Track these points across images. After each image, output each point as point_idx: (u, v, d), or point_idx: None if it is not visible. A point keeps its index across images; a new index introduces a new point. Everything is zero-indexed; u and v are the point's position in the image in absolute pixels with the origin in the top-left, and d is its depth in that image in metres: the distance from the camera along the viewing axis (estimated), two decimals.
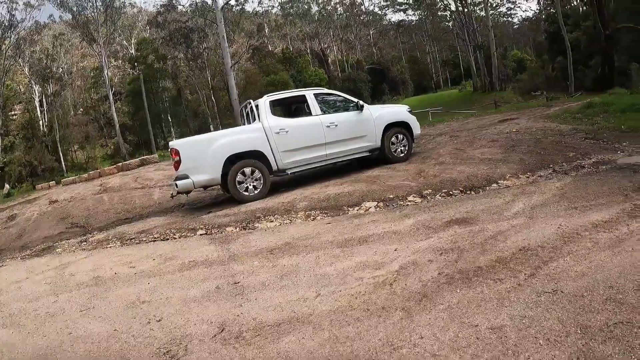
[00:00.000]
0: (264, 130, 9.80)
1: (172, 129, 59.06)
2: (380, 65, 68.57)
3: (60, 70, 56.04)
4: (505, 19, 78.71)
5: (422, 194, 7.77)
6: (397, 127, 11.09)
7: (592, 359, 2.53)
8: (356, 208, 7.69)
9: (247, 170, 9.58)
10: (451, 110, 36.60)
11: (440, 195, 7.54)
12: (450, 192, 7.64)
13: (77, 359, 3.93)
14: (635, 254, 3.83)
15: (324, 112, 10.47)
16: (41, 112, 54.93)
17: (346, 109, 10.79)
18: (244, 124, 11.06)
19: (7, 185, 47.51)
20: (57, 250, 9.48)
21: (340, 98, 11.09)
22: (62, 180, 26.25)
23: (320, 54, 65.94)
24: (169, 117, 57.90)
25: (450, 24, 67.95)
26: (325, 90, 11.41)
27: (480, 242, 4.68)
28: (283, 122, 10.08)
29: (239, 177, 9.53)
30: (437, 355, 2.80)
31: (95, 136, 56.28)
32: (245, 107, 11.26)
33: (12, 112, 57.72)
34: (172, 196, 10.61)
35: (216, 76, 48.84)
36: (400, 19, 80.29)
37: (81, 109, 62.31)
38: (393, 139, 10.97)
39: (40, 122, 53.95)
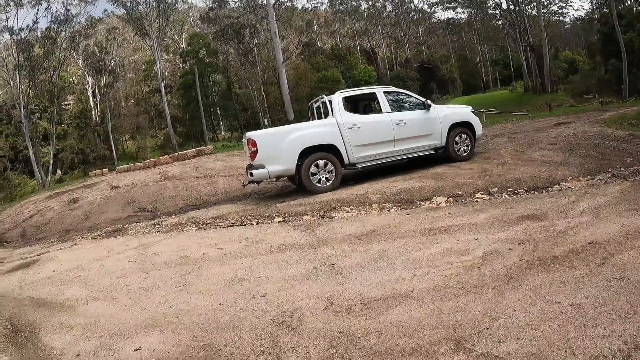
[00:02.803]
0: (337, 125, 9.99)
1: (220, 122, 59.69)
2: (429, 63, 67.73)
3: (113, 63, 57.37)
4: (556, 17, 75.97)
5: (488, 191, 7.92)
6: (461, 127, 11.19)
7: None
8: (427, 202, 7.81)
9: (321, 162, 9.78)
10: (504, 111, 35.72)
11: (506, 194, 7.71)
12: (516, 191, 7.77)
13: (184, 328, 4.07)
14: None
15: (393, 110, 10.62)
16: (94, 102, 56.67)
17: (414, 108, 10.94)
18: (313, 119, 11.36)
19: (59, 172, 49.09)
20: (129, 232, 9.80)
21: (408, 97, 11.25)
22: (116, 167, 26.52)
23: (369, 51, 65.58)
24: (218, 111, 58.50)
25: (500, 22, 66.36)
26: (394, 89, 11.40)
27: (553, 235, 4.95)
28: (355, 118, 10.25)
29: (313, 169, 9.73)
30: (530, 324, 3.16)
31: (146, 127, 57.68)
32: (315, 102, 11.46)
33: (66, 102, 59.54)
34: (244, 185, 10.94)
35: (267, 71, 49.19)
36: (450, 16, 78.92)
37: (132, 101, 63.87)
38: (457, 138, 11.05)
39: (93, 112, 55.50)
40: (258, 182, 10.33)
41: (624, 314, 3.14)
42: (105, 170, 27.74)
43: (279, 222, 8.04)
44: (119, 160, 47.31)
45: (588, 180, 7.97)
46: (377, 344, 3.22)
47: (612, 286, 3.58)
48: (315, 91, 42.27)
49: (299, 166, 9.67)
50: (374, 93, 10.84)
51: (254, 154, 9.59)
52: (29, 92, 46.67)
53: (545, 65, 48.79)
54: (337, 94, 10.47)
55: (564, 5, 70.80)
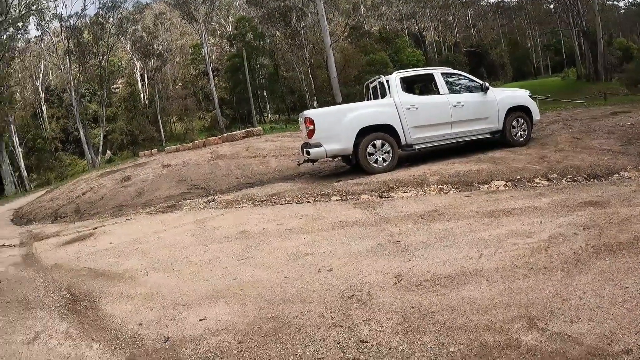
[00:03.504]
0: (395, 105, 9.84)
1: (267, 105, 59.91)
2: (478, 48, 66.40)
3: (161, 47, 58.27)
4: (610, 2, 73.14)
5: (548, 177, 7.76)
6: (519, 111, 10.90)
7: None
8: (486, 185, 7.71)
9: (378, 143, 9.65)
10: (557, 99, 34.52)
11: (565, 180, 7.57)
12: (575, 178, 7.62)
13: (250, 300, 4.07)
14: None
15: (451, 92, 10.42)
16: (142, 85, 57.93)
17: (471, 90, 10.67)
18: (368, 100, 11.19)
19: (108, 152, 50.51)
20: (184, 207, 9.95)
21: (465, 78, 10.96)
22: (165, 148, 27.18)
23: (417, 34, 64.65)
24: (265, 93, 58.69)
25: (552, 6, 64.00)
26: (452, 70, 11.15)
27: (617, 222, 4.83)
28: (413, 99, 10.08)
29: (370, 149, 9.60)
30: (600, 307, 3.13)
31: (193, 109, 58.59)
32: (372, 82, 11.40)
33: (115, 86, 61.00)
34: (299, 164, 11.00)
35: (314, 54, 48.88)
36: None
37: (180, 84, 64.59)
38: (514, 122, 10.78)
39: (141, 95, 56.73)
40: (313, 161, 10.33)
41: None
42: (155, 150, 28.42)
43: (336, 200, 8.01)
44: (167, 141, 48.28)
45: None
46: (450, 320, 3.21)
47: None
48: (364, 74, 41.88)
49: (356, 146, 9.55)
50: (432, 74, 10.62)
51: (311, 133, 9.50)
52: (79, 77, 48.09)
53: (598, 52, 46.57)
54: (394, 74, 10.30)
55: None
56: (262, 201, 8.85)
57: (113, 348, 3.64)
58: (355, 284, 4.03)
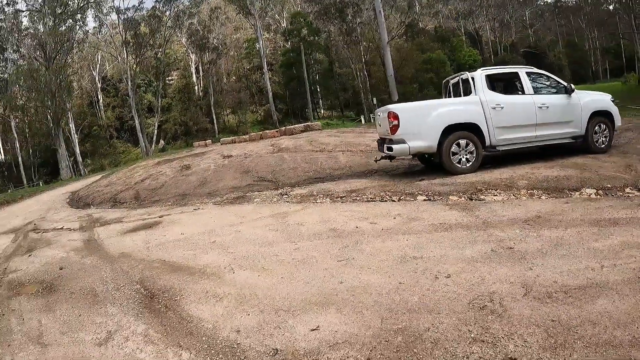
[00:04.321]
0: (481, 103, 9.49)
1: (320, 101, 59.57)
2: (536, 49, 64.54)
3: (216, 41, 58.60)
4: None
5: (638, 187, 7.28)
6: (601, 117, 10.41)
7: None
8: (577, 193, 7.32)
9: (462, 142, 9.30)
10: (624, 104, 32.97)
11: None
12: None
13: (366, 308, 3.72)
14: None
15: (535, 93, 10.02)
16: (196, 78, 58.84)
17: (556, 91, 10.25)
18: (447, 98, 10.96)
19: (162, 141, 51.33)
20: (254, 200, 9.71)
21: (550, 79, 10.50)
22: (221, 139, 27.33)
23: (473, 34, 63.37)
24: (318, 89, 58.38)
25: (611, 7, 61.82)
26: (536, 70, 10.64)
27: None
28: (499, 98, 9.69)
29: (454, 148, 9.26)
30: None
31: (247, 102, 58.98)
32: (453, 78, 11.14)
33: (170, 78, 61.91)
34: (376, 160, 10.82)
35: (369, 51, 48.15)
36: None
37: (234, 77, 65.24)
38: (596, 128, 10.29)
39: (196, 87, 57.57)
40: (392, 157, 10.10)
41: None
42: (209, 141, 28.85)
43: (423, 200, 7.66)
44: (220, 133, 48.94)
45: None
46: (594, 335, 3.00)
47: None
48: (421, 73, 41.13)
49: (439, 144, 9.20)
50: (517, 73, 10.20)
51: (394, 128, 9.17)
52: (135, 68, 49.07)
53: None
54: (479, 71, 9.93)
55: None
56: (340, 197, 8.54)
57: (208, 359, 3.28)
58: (482, 294, 3.74)
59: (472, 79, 9.74)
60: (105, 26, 52.46)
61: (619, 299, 3.40)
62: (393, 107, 9.41)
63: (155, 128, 50.37)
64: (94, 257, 6.52)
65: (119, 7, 47.09)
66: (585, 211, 6.02)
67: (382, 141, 10.08)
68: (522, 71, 10.16)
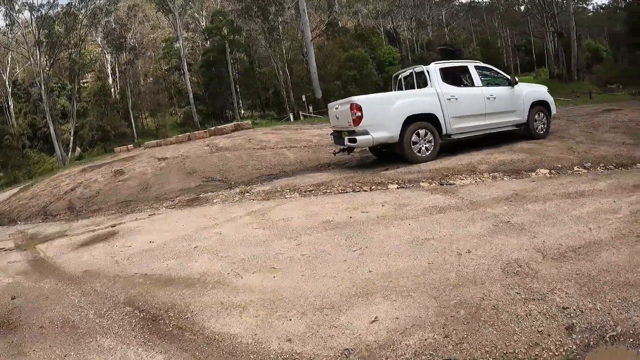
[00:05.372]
0: (437, 95, 9.98)
1: (240, 101, 58.67)
2: (452, 46, 66.45)
3: (133, 40, 56.25)
4: (579, 5, 74.75)
5: (584, 166, 8.10)
6: (540, 106, 11.50)
7: None
8: (533, 173, 7.95)
9: (422, 132, 9.71)
10: None
11: (600, 168, 7.94)
12: (607, 167, 8.01)
13: (413, 291, 3.73)
14: None
15: (484, 85, 10.81)
16: (113, 80, 56.23)
17: (501, 84, 11.14)
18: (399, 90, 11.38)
19: (78, 149, 48.68)
20: (214, 200, 9.33)
21: (495, 73, 11.48)
22: (145, 143, 26.14)
23: (392, 32, 64.56)
24: (237, 89, 57.47)
25: (522, 7, 65.23)
26: (483, 64, 11.60)
27: None
28: (453, 90, 10.29)
29: (414, 138, 9.63)
30: None
31: (165, 105, 57.16)
32: (403, 72, 11.62)
33: (84, 80, 59.16)
34: (335, 153, 10.86)
35: (291, 50, 48.15)
36: None
37: (151, 79, 63.20)
38: (536, 116, 11.34)
39: (112, 89, 55.04)
40: (350, 150, 10.39)
41: None
42: (131, 146, 27.69)
43: (396, 188, 7.81)
44: (139, 137, 46.74)
45: None
46: (613, 279, 3.49)
47: None
48: (344, 70, 41.29)
49: (401, 134, 9.50)
50: (467, 67, 10.94)
51: (358, 120, 9.33)
52: (49, 70, 46.16)
53: (572, 53, 47.85)
54: (433, 64, 10.46)
55: None
56: (309, 191, 8.45)
57: None
58: (508, 262, 4.04)
59: (428, 72, 10.22)
60: (17, 24, 49.12)
61: (616, 252, 3.98)
62: (356, 99, 9.54)
63: (71, 135, 47.34)
64: (52, 280, 5.58)
65: (33, 3, 44.16)
66: (552, 187, 6.65)
67: (338, 134, 10.28)
68: (471, 65, 10.90)
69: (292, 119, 34.75)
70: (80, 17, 47.79)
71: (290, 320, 3.45)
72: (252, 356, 3.07)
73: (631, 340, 2.85)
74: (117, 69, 55.69)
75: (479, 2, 75.45)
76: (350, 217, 6.10)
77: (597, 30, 77.33)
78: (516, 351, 2.83)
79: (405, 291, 3.70)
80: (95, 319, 4.07)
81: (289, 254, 4.96)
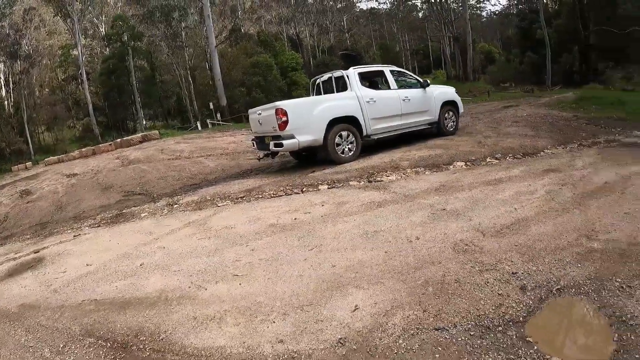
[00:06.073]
0: (357, 98, 10.47)
1: (141, 111, 56.41)
2: (352, 51, 67.87)
3: (28, 47, 52.45)
4: (474, 11, 79.02)
5: (495, 156, 9.07)
6: (449, 105, 12.52)
7: None
8: (451, 166, 8.66)
9: (344, 133, 10.16)
10: None
11: (509, 158, 8.92)
12: (516, 156, 9.02)
13: (382, 278, 4.04)
14: None
15: (399, 87, 11.52)
16: (6, 92, 51.85)
17: (414, 86, 11.94)
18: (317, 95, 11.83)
19: None
20: (142, 215, 8.73)
21: (409, 76, 12.46)
22: (45, 159, 24.95)
23: (294, 38, 65.07)
24: (138, 98, 55.43)
25: (420, 14, 68.55)
26: (398, 68, 12.36)
27: (578, 180, 6.62)
28: (371, 93, 10.86)
29: (337, 140, 10.04)
30: (617, 223, 4.73)
31: (63, 117, 53.82)
32: (321, 77, 12.04)
33: None
34: (259, 158, 11.25)
35: (194, 57, 47.69)
36: (372, 6, 79.87)
37: (47, 89, 59.31)
38: (446, 115, 12.36)
39: (6, 102, 50.84)
40: (274, 155, 10.64)
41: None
42: (29, 164, 26.58)
43: (327, 188, 8.09)
44: (36, 154, 43.61)
45: (564, 148, 9.62)
46: (548, 245, 4.36)
47: (638, 205, 5.22)
48: (248, 77, 41.22)
49: (325, 137, 9.88)
50: (382, 71, 11.67)
51: (283, 124, 9.53)
52: None
53: (468, 55, 51.59)
54: (351, 69, 10.97)
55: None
56: (241, 197, 8.46)
57: None
58: (455, 242, 4.62)
59: (347, 76, 10.72)
60: None
61: (543, 225, 4.86)
62: (281, 104, 9.72)
63: None
64: None
65: None
66: (473, 177, 7.43)
67: (260, 140, 10.47)
68: (386, 69, 11.65)
69: (199, 128, 34.10)
70: None
71: (274, 322, 3.49)
72: None
73: (573, 290, 3.51)
74: (10, 79, 51.43)
75: (379, 8, 77.93)
76: (295, 219, 6.22)
77: (490, 34, 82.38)
78: (486, 312, 3.30)
79: (373, 279, 3.98)
80: (55, 357, 3.57)
81: (246, 259, 4.89)
